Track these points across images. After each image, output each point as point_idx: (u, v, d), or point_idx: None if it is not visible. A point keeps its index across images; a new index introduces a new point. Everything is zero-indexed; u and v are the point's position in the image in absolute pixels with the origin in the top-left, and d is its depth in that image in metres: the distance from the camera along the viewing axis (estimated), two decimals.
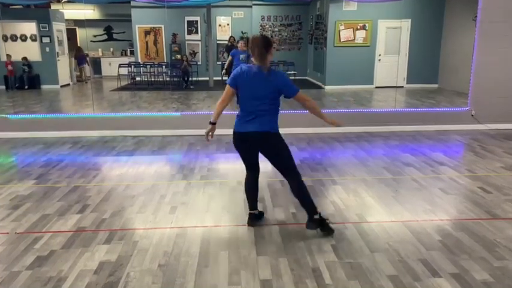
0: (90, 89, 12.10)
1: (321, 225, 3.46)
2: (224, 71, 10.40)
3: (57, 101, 11.25)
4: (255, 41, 3.32)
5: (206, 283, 2.83)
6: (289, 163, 3.46)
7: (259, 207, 3.95)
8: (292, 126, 6.98)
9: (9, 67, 12.21)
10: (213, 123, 3.49)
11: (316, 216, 3.45)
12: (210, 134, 3.51)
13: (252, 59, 3.38)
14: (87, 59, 14.43)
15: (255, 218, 3.72)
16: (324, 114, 3.50)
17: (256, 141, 3.41)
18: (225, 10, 14.56)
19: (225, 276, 2.90)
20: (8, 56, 12.26)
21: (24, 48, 12.82)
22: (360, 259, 3.11)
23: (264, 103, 3.32)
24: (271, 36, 14.74)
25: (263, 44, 3.30)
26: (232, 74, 3.42)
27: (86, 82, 14.11)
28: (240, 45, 9.90)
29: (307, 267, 3.00)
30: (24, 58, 12.64)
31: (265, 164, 5.48)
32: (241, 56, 9.58)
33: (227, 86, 3.41)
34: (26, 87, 12.47)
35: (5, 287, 2.79)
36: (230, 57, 9.71)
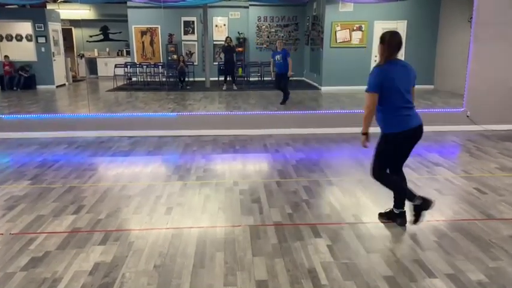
0: (86, 89, 12.05)
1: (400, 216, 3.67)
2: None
3: (53, 101, 11.20)
4: (399, 39, 3.38)
5: (202, 284, 2.82)
6: None
7: (257, 207, 3.94)
8: (289, 126, 6.96)
9: (7, 68, 12.16)
10: (366, 133, 3.52)
11: (397, 211, 3.67)
12: (368, 141, 3.54)
13: (386, 54, 3.34)
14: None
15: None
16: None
17: (418, 135, 3.53)
18: (221, 10, 14.57)
19: (220, 277, 2.89)
20: (6, 57, 12.21)
21: (20, 48, 12.76)
22: (356, 259, 3.11)
23: (411, 95, 3.50)
24: (268, 37, 14.77)
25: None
26: (374, 78, 3.33)
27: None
28: (279, 44, 9.88)
29: (303, 268, 3.00)
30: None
31: (261, 165, 5.50)
32: (277, 57, 9.54)
33: (372, 94, 3.34)
34: (22, 87, 12.41)
35: None
36: (271, 59, 9.77)
